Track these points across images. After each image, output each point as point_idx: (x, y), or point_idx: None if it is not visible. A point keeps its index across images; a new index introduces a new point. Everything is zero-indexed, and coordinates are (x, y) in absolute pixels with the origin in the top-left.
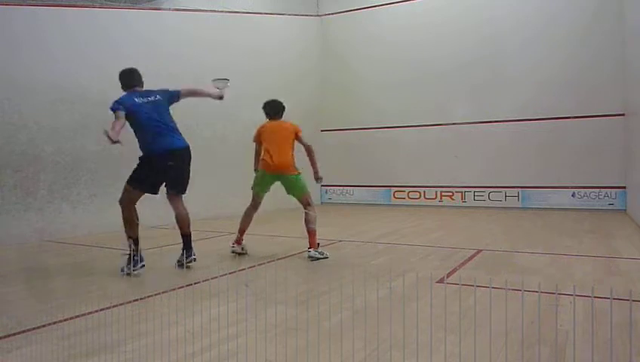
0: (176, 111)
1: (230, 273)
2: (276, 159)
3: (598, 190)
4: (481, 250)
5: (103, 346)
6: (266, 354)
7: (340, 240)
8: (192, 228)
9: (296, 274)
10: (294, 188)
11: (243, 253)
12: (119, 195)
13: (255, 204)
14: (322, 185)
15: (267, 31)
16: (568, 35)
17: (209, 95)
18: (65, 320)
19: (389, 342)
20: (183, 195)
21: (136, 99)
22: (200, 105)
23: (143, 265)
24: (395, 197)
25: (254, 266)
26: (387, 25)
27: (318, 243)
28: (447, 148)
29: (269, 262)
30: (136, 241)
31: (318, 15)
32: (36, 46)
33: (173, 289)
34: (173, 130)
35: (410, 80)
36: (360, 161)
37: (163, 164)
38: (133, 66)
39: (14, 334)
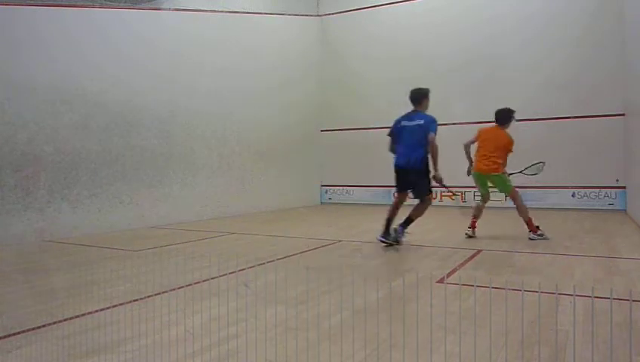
0: (177, 110)
1: (230, 273)
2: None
3: (598, 190)
4: (481, 250)
5: (103, 346)
6: (266, 354)
7: (340, 240)
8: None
9: (296, 274)
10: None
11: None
12: (119, 195)
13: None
14: (322, 185)
15: (267, 31)
16: (568, 35)
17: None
18: (65, 320)
19: (389, 342)
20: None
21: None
22: (200, 105)
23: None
24: (395, 197)
25: (254, 266)
26: (387, 25)
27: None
28: (447, 148)
29: (269, 262)
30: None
31: (318, 15)
32: (36, 46)
33: (173, 289)
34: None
35: (410, 80)
36: (360, 161)
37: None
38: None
39: (14, 334)
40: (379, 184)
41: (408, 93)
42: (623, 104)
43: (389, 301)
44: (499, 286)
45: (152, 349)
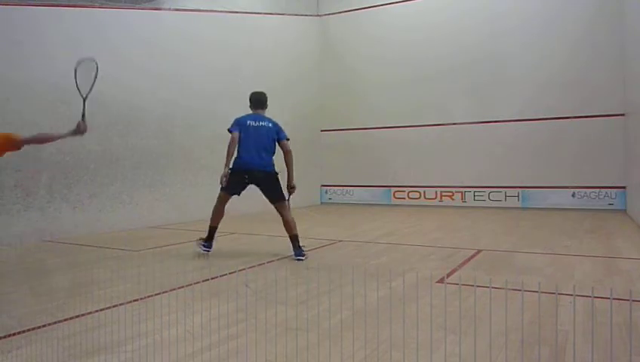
0: (177, 110)
1: (230, 273)
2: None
3: (598, 190)
4: (481, 250)
5: (103, 346)
6: (266, 354)
7: (340, 240)
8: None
9: (296, 274)
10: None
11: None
12: (119, 195)
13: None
14: (322, 185)
15: (267, 31)
16: (568, 35)
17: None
18: (65, 320)
19: (389, 342)
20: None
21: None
22: (200, 105)
23: None
24: (395, 197)
25: (254, 266)
26: (387, 25)
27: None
28: (447, 148)
29: (269, 262)
30: None
31: (318, 15)
32: (36, 46)
33: (173, 289)
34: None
35: (410, 80)
36: (360, 161)
37: None
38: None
39: (14, 334)
40: (379, 184)
41: (409, 94)
42: (623, 104)
43: (389, 301)
44: (499, 286)
45: (152, 349)
